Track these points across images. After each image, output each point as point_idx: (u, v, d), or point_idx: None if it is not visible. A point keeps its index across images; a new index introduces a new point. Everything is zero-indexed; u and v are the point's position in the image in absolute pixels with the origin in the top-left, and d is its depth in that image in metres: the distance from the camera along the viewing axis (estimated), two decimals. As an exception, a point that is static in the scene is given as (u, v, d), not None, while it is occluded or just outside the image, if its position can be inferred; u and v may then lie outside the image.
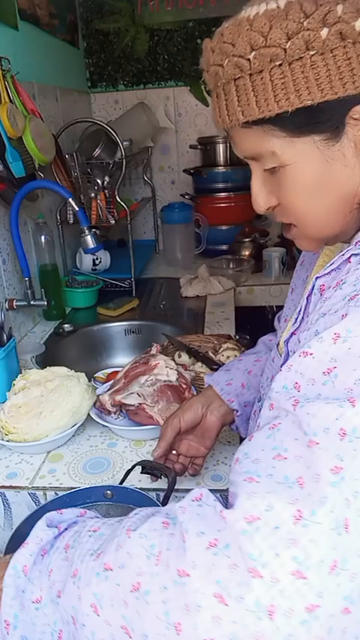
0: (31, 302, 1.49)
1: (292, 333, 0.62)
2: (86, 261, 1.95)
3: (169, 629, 0.35)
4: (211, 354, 1.29)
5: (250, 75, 0.51)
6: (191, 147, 2.32)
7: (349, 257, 0.51)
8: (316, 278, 0.56)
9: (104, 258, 2.00)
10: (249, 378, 0.88)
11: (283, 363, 0.60)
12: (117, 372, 1.23)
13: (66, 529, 0.48)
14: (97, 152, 1.93)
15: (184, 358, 1.29)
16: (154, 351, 1.23)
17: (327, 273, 0.54)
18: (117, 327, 1.69)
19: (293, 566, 0.34)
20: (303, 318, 0.60)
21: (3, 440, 1.04)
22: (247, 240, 2.15)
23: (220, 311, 1.73)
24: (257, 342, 1.01)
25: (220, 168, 2.22)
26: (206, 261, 2.07)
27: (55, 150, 1.55)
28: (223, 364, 1.09)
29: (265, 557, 0.35)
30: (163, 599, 0.36)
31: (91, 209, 1.84)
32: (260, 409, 0.60)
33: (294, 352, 0.47)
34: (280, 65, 0.50)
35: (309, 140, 0.53)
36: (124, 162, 1.84)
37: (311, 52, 0.49)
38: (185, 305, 1.82)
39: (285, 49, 0.49)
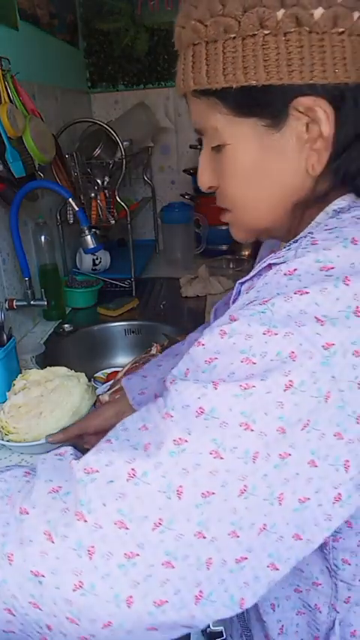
0: (31, 302, 1.49)
1: None
2: (86, 261, 1.94)
3: (3, 559, 0.40)
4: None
5: (207, 43, 0.50)
6: (191, 147, 2.32)
7: (269, 264, 0.50)
8: (240, 283, 0.56)
9: (104, 258, 1.99)
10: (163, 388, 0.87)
11: None
12: (117, 372, 1.23)
13: None
14: (97, 152, 1.93)
15: (184, 358, 1.29)
16: (154, 351, 1.23)
17: (249, 279, 0.53)
18: (117, 327, 1.69)
19: (117, 517, 0.38)
20: None
21: (3, 440, 1.04)
22: (247, 240, 2.15)
23: (220, 311, 1.73)
24: (186, 338, 0.98)
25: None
26: (206, 261, 2.06)
27: (55, 150, 1.55)
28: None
29: (92, 505, 0.39)
30: (3, 532, 0.41)
31: (91, 209, 1.84)
32: None
33: None
34: (234, 38, 0.48)
35: (251, 123, 0.52)
36: (124, 162, 1.84)
37: (265, 31, 0.47)
38: (185, 305, 1.82)
39: (239, 22, 0.47)
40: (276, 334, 0.41)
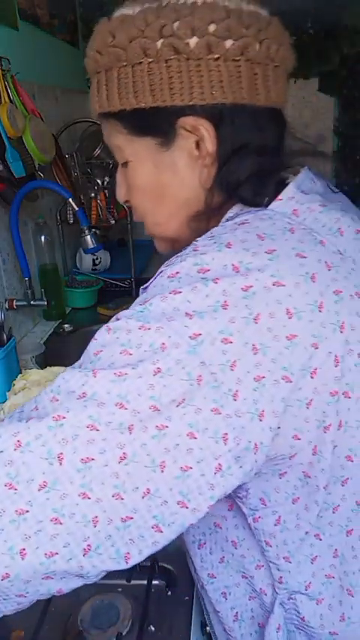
0: (31, 302, 1.49)
1: None
2: (86, 261, 1.95)
3: None
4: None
5: (105, 71, 0.56)
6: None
7: (160, 272, 0.53)
8: (142, 289, 0.59)
9: (104, 258, 2.00)
10: None
11: None
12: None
13: None
14: (97, 152, 1.93)
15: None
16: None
17: (149, 285, 0.56)
18: (117, 327, 1.69)
19: (6, 480, 0.44)
20: None
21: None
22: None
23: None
24: None
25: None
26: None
27: (55, 150, 1.55)
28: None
29: None
30: None
31: (91, 209, 1.84)
32: None
33: None
34: (125, 66, 0.54)
35: (145, 142, 0.58)
36: (124, 162, 1.84)
37: (149, 59, 0.53)
38: (185, 305, 1.82)
39: (126, 51, 0.53)
40: (149, 329, 0.47)
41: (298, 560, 0.59)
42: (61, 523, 0.44)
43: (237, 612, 0.66)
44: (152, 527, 0.46)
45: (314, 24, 2.22)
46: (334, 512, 0.58)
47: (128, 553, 0.47)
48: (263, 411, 0.47)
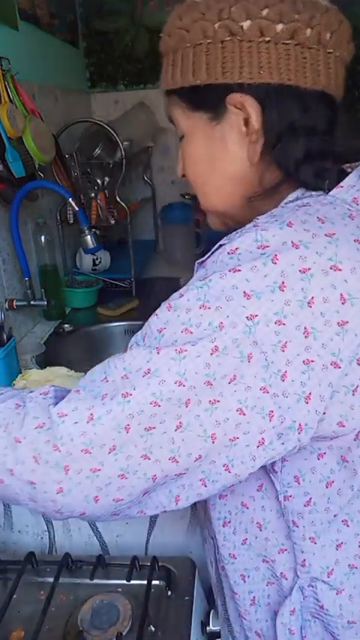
0: (31, 302, 1.49)
1: None
2: (86, 261, 1.95)
3: (6, 472, 0.54)
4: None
5: (172, 52, 0.61)
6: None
7: (219, 246, 0.57)
8: (198, 263, 0.62)
9: (104, 258, 1.99)
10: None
11: None
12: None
13: None
14: (97, 152, 1.93)
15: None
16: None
17: (206, 259, 0.59)
18: (117, 327, 1.69)
19: (83, 447, 0.51)
20: None
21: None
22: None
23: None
24: None
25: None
26: (206, 261, 2.06)
27: (55, 150, 1.55)
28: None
29: (64, 440, 0.52)
30: (3, 454, 0.54)
31: (91, 209, 1.84)
32: None
33: None
34: (188, 47, 0.59)
35: (198, 116, 0.62)
36: (124, 162, 1.85)
37: (207, 40, 0.57)
38: (185, 305, 1.82)
39: (189, 32, 0.58)
40: (209, 308, 0.50)
41: (323, 544, 0.62)
42: (126, 478, 0.52)
43: (254, 596, 0.69)
44: (199, 481, 0.54)
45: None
46: None
47: (178, 496, 0.55)
48: (310, 393, 0.50)
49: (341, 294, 0.49)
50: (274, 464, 0.59)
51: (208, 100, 0.61)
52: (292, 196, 0.59)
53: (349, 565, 0.63)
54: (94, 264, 1.96)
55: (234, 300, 0.49)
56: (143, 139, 2.22)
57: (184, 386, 0.50)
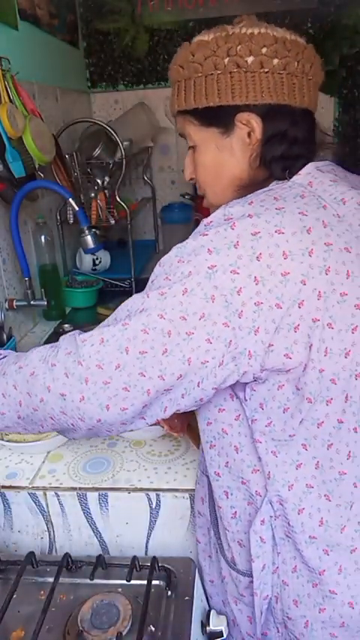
0: (31, 302, 1.49)
1: None
2: (86, 261, 1.95)
3: (44, 390, 0.71)
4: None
5: (185, 80, 0.76)
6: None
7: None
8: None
9: (104, 258, 2.00)
10: None
11: None
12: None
13: None
14: (97, 152, 1.93)
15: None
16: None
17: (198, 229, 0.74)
18: (117, 327, 1.69)
19: (97, 362, 0.68)
20: None
21: (3, 440, 1.05)
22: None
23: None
24: None
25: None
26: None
27: (55, 150, 1.55)
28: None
29: (84, 357, 0.69)
30: (45, 376, 0.71)
31: (91, 209, 1.84)
32: None
33: None
34: (200, 77, 0.74)
35: (211, 131, 0.78)
36: (124, 162, 1.85)
37: (218, 71, 0.73)
38: (185, 305, 1.82)
39: (202, 65, 0.74)
40: (183, 261, 0.67)
41: (284, 460, 0.74)
42: (128, 391, 0.68)
43: (236, 511, 0.81)
44: (181, 395, 0.70)
45: (314, 24, 2.22)
46: (318, 428, 0.71)
47: (166, 407, 0.71)
48: (258, 327, 0.64)
49: (283, 251, 0.64)
50: (245, 393, 0.73)
51: (219, 117, 0.76)
52: (268, 187, 0.74)
53: (306, 485, 0.74)
54: (94, 264, 1.96)
55: (200, 255, 0.66)
56: (143, 139, 2.22)
57: (164, 319, 0.66)
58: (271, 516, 0.76)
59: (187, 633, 0.75)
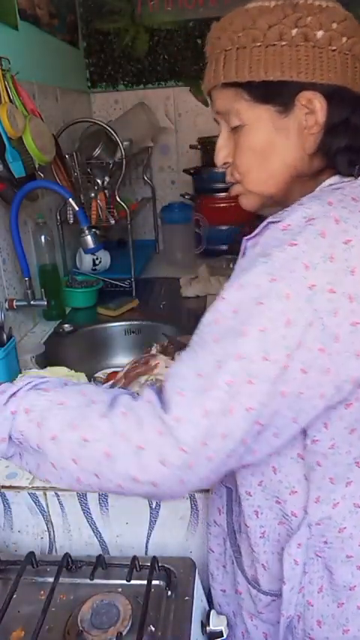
0: (31, 302, 1.49)
1: None
2: (86, 261, 1.95)
3: (126, 479, 0.60)
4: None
5: (237, 48, 0.67)
6: (191, 147, 2.32)
7: (268, 224, 0.63)
8: (245, 240, 0.68)
9: (104, 258, 2.00)
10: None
11: None
12: (117, 372, 1.23)
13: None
14: (97, 152, 1.93)
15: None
16: (154, 350, 1.23)
17: (252, 237, 0.66)
18: (117, 327, 1.69)
19: (201, 441, 0.57)
20: None
21: (3, 440, 1.04)
22: (247, 240, 2.15)
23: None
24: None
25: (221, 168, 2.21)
26: (206, 261, 2.06)
27: (55, 150, 1.55)
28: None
29: (186, 442, 0.57)
30: (128, 461, 0.59)
31: (91, 209, 1.84)
32: None
33: None
34: (259, 46, 0.65)
35: (266, 108, 0.68)
36: (124, 162, 1.85)
37: (282, 43, 0.64)
38: (185, 305, 1.82)
39: (265, 34, 0.65)
40: (276, 279, 0.57)
41: (333, 476, 0.69)
42: (231, 457, 0.59)
43: (265, 531, 0.77)
44: (273, 435, 0.61)
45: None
46: None
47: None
48: (358, 350, 0.58)
49: None
50: None
51: (279, 94, 0.67)
52: (328, 182, 0.68)
53: (354, 504, 0.71)
54: (94, 264, 1.96)
55: (296, 272, 0.57)
56: (143, 139, 2.22)
57: (268, 360, 0.57)
58: (307, 538, 0.73)
59: (187, 633, 0.75)
